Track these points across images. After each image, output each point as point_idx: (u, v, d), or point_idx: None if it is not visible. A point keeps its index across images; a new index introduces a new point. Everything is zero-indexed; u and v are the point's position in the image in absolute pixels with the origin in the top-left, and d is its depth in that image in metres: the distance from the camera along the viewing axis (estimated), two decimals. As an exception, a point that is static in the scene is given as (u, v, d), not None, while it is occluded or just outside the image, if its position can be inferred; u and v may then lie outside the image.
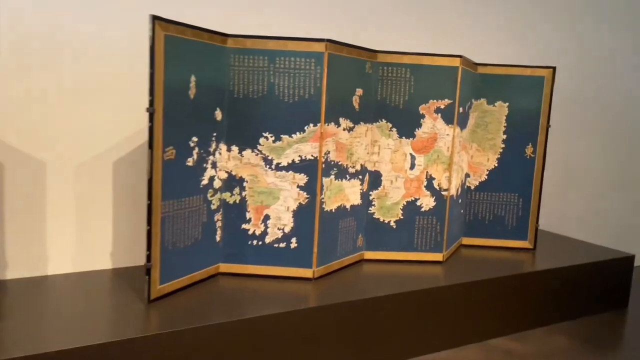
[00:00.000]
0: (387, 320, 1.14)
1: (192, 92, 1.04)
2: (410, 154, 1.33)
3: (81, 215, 1.17)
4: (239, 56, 1.12)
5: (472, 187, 1.54)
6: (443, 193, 1.35)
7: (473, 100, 1.50)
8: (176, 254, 1.05)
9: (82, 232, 1.17)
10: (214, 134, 1.11)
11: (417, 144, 1.32)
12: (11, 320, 0.91)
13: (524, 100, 1.50)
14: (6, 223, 1.09)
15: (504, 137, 1.52)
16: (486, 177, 1.54)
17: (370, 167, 1.32)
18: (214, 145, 1.12)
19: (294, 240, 1.17)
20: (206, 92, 1.08)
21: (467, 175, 1.54)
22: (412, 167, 1.33)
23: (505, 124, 1.51)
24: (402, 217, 1.34)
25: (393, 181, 1.33)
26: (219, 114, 1.12)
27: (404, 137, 1.32)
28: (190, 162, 1.05)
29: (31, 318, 0.92)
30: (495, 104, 1.51)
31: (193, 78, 1.04)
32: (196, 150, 1.07)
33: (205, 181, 1.10)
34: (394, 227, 1.35)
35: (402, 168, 1.33)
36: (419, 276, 1.27)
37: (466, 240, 1.56)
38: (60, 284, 1.11)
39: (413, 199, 1.34)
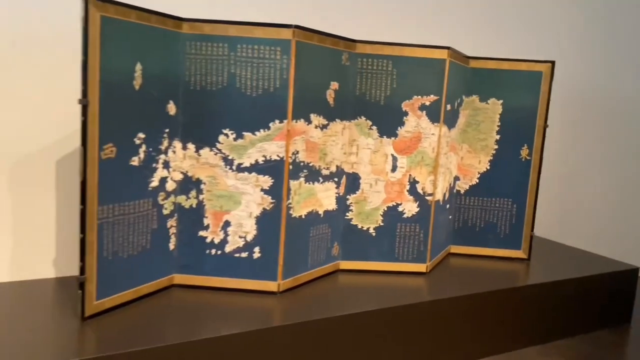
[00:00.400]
0: (362, 340, 1.02)
1: (137, 82, 0.92)
2: (392, 155, 1.20)
3: (19, 218, 1.05)
4: (195, 43, 1.00)
5: (462, 191, 1.42)
6: (427, 198, 1.23)
7: (464, 97, 1.37)
8: (118, 265, 0.93)
9: (21, 237, 1.05)
10: (166, 130, 0.99)
11: (400, 144, 1.20)
12: None
13: (519, 97, 1.37)
14: None
15: (497, 137, 1.39)
16: (477, 180, 1.41)
17: (347, 169, 1.20)
18: (165, 143, 1.00)
19: (257, 249, 1.05)
20: (156, 82, 0.96)
21: (457, 179, 1.41)
22: (394, 169, 1.21)
23: (499, 123, 1.39)
24: (382, 224, 1.22)
25: (373, 184, 1.21)
26: (172, 108, 1.00)
27: (385, 137, 1.19)
28: (135, 161, 0.93)
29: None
30: (488, 102, 1.38)
31: (139, 67, 0.91)
32: (143, 148, 0.95)
33: (155, 183, 0.98)
34: (374, 234, 1.22)
35: (382, 170, 1.21)
36: (400, 289, 1.14)
37: (455, 249, 1.43)
38: (-8, 295, 0.99)
39: (394, 204, 1.22)
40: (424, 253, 1.24)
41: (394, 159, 1.20)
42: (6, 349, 0.79)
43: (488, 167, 1.40)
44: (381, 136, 1.19)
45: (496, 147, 1.39)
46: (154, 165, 0.97)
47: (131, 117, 0.92)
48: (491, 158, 1.40)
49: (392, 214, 1.22)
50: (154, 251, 1.00)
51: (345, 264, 1.23)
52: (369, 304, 1.05)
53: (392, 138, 1.20)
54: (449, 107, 1.24)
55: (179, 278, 1.06)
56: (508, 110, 1.38)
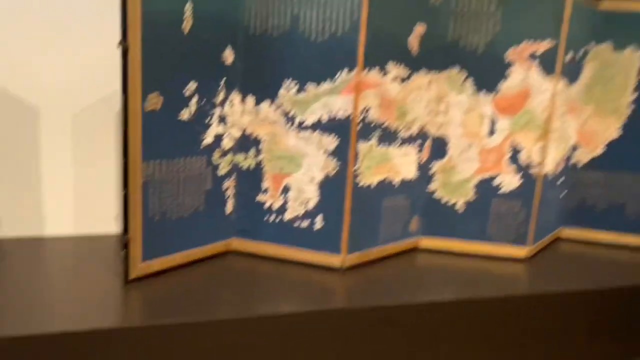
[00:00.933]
0: (440, 335, 0.87)
1: (187, 24, 0.82)
2: (490, 116, 0.99)
3: (81, 172, 1.03)
4: (255, -20, 0.88)
5: (581, 164, 1.16)
6: (533, 170, 1.01)
7: (591, 45, 1.10)
8: (167, 226, 0.86)
9: (83, 190, 1.04)
10: (222, 81, 0.89)
11: (501, 101, 0.99)
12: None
13: (669, 45, 1.07)
14: None
15: (633, 97, 1.11)
16: (603, 150, 1.14)
17: (433, 131, 1.02)
18: (222, 95, 0.90)
19: (318, 219, 0.93)
20: (210, 25, 0.85)
21: (575, 148, 1.16)
22: (492, 133, 1.00)
23: (636, 80, 1.10)
24: (473, 199, 1.03)
25: (464, 151, 1.02)
26: (229, 55, 0.89)
27: (482, 92, 0.99)
28: (185, 115, 0.85)
29: (-5, 288, 0.80)
30: (624, 52, 1.10)
31: (189, 6, 0.81)
32: (195, 100, 0.85)
33: (208, 140, 0.89)
34: (461, 211, 1.04)
35: (477, 134, 1.01)
36: (492, 277, 0.96)
37: (567, 233, 1.19)
38: (49, 248, 0.98)
39: (490, 175, 1.02)
40: (524, 235, 1.04)
41: (493, 120, 1.00)
42: (48, 307, 0.76)
43: (619, 134, 1.13)
44: (478, 92, 0.99)
45: (630, 109, 1.11)
46: (207, 120, 0.88)
47: (180, 65, 0.82)
48: (623, 123, 1.12)
49: (486, 187, 1.02)
50: (208, 214, 0.92)
51: (427, 242, 1.06)
52: (452, 292, 0.89)
53: (492, 94, 0.99)
54: (568, 56, 0.99)
55: (236, 243, 0.97)
56: (652, 63, 1.08)
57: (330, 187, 0.91)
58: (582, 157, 1.16)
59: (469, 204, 1.03)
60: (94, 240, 1.04)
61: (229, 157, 0.93)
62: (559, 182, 1.11)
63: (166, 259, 0.87)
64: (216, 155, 0.91)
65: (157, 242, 0.85)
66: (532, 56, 0.96)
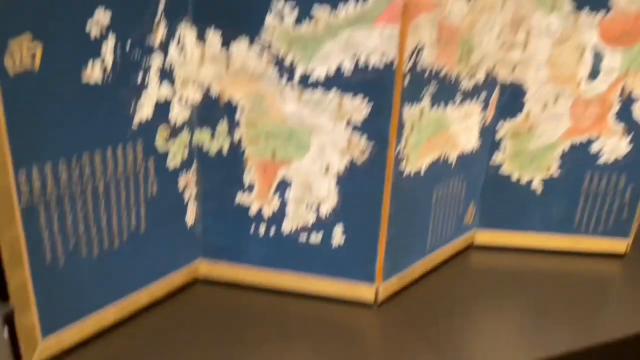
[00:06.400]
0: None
1: None
2: (595, 47, 0.63)
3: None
4: None
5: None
6: (651, 129, 0.67)
7: None
8: (81, 271, 0.50)
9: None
10: (159, 6, 0.49)
11: (614, 25, 0.62)
12: None
13: None
14: None
15: None
16: None
17: (504, 75, 0.65)
18: (161, 30, 0.50)
19: (338, 230, 0.58)
20: None
21: (684, 86, 0.81)
22: (595, 74, 0.64)
23: None
24: (557, 174, 0.69)
25: (549, 103, 0.66)
26: (168, -44, 0.49)
27: (584, 11, 0.62)
28: (93, 73, 0.46)
29: None
30: None
31: None
32: (110, 43, 0.46)
33: (145, 112, 0.51)
34: (539, 191, 0.70)
35: (572, 77, 0.65)
36: (585, 281, 0.66)
37: (656, 200, 0.88)
38: None
39: (586, 139, 0.68)
40: (627, 223, 0.72)
41: (598, 55, 0.63)
42: None
43: None
44: (579, 9, 0.62)
45: None
46: (138, 78, 0.49)
47: (71, -21, 0.42)
48: None
49: (578, 156, 0.68)
50: (155, 233, 0.56)
51: (485, 236, 0.73)
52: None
53: (598, 14, 0.62)
54: None
55: (206, 268, 0.62)
56: None
57: (357, 181, 0.55)
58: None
59: (550, 182, 0.70)
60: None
61: (183, 136, 0.56)
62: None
63: (86, 322, 0.52)
64: (161, 136, 0.53)
65: (66, 302, 0.50)
66: (673, -53, 0.59)
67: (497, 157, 0.70)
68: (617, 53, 0.64)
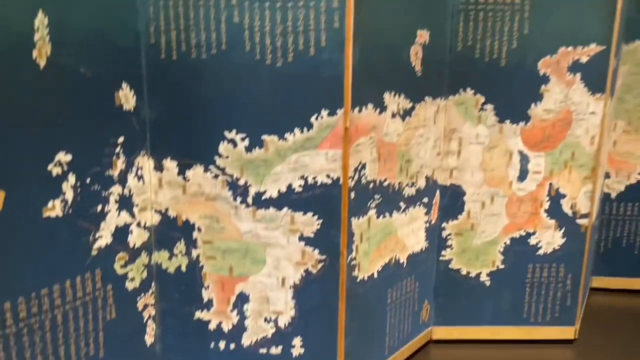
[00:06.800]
0: None
1: (40, 50, 0.45)
2: (520, 152, 0.70)
3: None
4: (162, -31, 0.52)
5: (614, 195, 0.91)
6: (580, 221, 0.73)
7: (623, 45, 0.84)
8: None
9: None
10: (119, 140, 0.53)
11: (534, 133, 0.70)
12: None
13: None
14: None
15: (676, 107, 0.86)
16: (638, 177, 0.90)
17: (442, 180, 0.71)
18: (119, 163, 0.53)
19: (297, 341, 0.59)
20: (84, 51, 0.49)
21: (607, 176, 0.90)
22: (523, 175, 0.71)
23: (680, 85, 0.86)
24: (502, 266, 0.74)
25: (487, 203, 0.72)
26: (126, 97, 0.53)
27: (508, 122, 0.69)
28: (54, 208, 0.48)
29: None
30: (662, 49, 0.85)
31: (41, 20, 0.44)
32: (70, 180, 0.49)
33: (103, 240, 0.53)
34: (488, 283, 0.74)
35: (503, 179, 0.71)
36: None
37: (598, 282, 0.94)
38: None
39: (523, 233, 0.73)
40: (571, 309, 0.76)
41: (524, 159, 0.71)
42: None
43: (658, 156, 0.88)
44: (501, 121, 0.69)
45: (673, 123, 0.87)
46: (97, 208, 0.52)
47: (33, 123, 0.45)
48: (664, 141, 0.88)
49: (519, 249, 0.73)
50: (114, 358, 0.56)
51: (442, 331, 0.76)
52: None
53: (521, 124, 0.69)
54: (615, 63, 0.72)
55: (168, 389, 0.62)
56: (696, 63, 0.84)
57: (313, 292, 0.58)
58: (615, 186, 0.90)
59: (496, 274, 0.74)
60: None
61: (142, 258, 0.58)
62: (595, 224, 0.85)
63: None
64: (120, 260, 0.55)
65: None
66: (574, 67, 0.68)
67: (446, 254, 0.74)
68: (540, 156, 0.71)
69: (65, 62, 0.47)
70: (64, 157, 0.48)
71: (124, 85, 0.53)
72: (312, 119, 0.54)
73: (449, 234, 0.73)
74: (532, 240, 0.73)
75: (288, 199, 0.56)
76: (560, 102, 0.69)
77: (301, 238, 0.57)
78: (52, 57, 0.46)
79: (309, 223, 0.56)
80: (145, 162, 0.56)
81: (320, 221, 0.56)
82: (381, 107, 0.58)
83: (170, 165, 0.56)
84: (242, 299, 0.59)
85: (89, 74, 0.49)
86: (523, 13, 0.66)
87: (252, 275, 0.58)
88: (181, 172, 0.56)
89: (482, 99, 0.69)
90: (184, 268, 0.59)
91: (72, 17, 0.47)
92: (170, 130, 0.55)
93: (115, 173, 0.53)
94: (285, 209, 0.56)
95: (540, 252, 0.74)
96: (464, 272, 0.74)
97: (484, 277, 0.75)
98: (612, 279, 0.93)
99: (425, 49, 0.63)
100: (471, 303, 0.75)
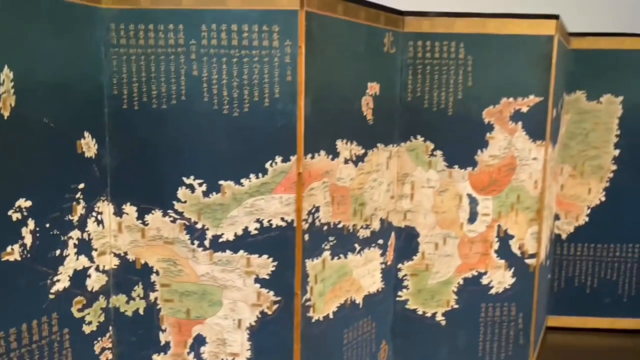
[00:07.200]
0: None
1: (4, 103, 0.47)
2: (469, 196, 0.74)
3: None
4: (126, 26, 0.56)
5: (564, 236, 0.96)
6: (528, 261, 0.77)
7: (565, 95, 0.91)
8: None
9: None
10: (79, 186, 0.55)
11: (481, 177, 0.74)
12: None
13: (650, 91, 0.91)
14: None
15: (616, 152, 0.92)
16: (586, 219, 0.95)
17: (397, 222, 0.75)
18: (79, 209, 0.55)
19: (253, 382, 0.60)
20: (48, 102, 0.51)
21: (556, 217, 0.95)
22: (473, 218, 0.75)
23: (618, 132, 0.92)
24: (456, 306, 0.77)
25: (439, 244, 0.75)
26: (88, 145, 0.56)
27: (456, 167, 0.74)
28: (12, 253, 0.49)
29: None
30: (601, 100, 0.92)
31: (7, 73, 0.47)
32: (29, 226, 0.50)
33: (61, 284, 0.54)
34: (443, 323, 0.77)
35: (454, 221, 0.75)
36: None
37: (554, 321, 0.97)
38: None
39: (476, 273, 0.76)
40: (524, 348, 0.78)
41: (473, 202, 0.75)
42: None
43: (602, 199, 0.94)
44: (450, 167, 0.74)
45: (614, 167, 0.93)
46: (56, 252, 0.53)
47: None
48: (607, 185, 0.93)
49: (472, 289, 0.76)
50: (69, 403, 0.56)
51: (400, 371, 0.78)
52: None
53: (468, 169, 0.74)
54: (554, 112, 0.78)
55: None
56: (632, 112, 0.91)
57: (268, 333, 0.59)
58: (565, 228, 0.95)
59: (451, 314, 0.77)
60: None
61: (100, 302, 0.59)
62: (547, 264, 0.89)
63: None
64: (77, 305, 0.56)
65: None
66: (515, 116, 0.73)
67: (403, 295, 0.76)
68: (488, 199, 0.75)
69: (29, 113, 0.49)
70: (24, 203, 0.49)
71: (86, 134, 0.55)
72: (267, 165, 0.57)
73: (405, 275, 0.76)
74: (484, 280, 0.77)
75: (244, 242, 0.58)
76: (505, 148, 0.74)
77: (257, 280, 0.59)
78: (16, 108, 0.48)
79: (265, 265, 0.59)
80: (105, 208, 0.58)
81: (276, 263, 0.58)
82: (334, 153, 0.62)
83: (130, 210, 0.58)
84: (199, 341, 0.60)
85: (52, 123, 0.52)
86: (466, 67, 0.72)
87: (209, 317, 0.60)
88: (140, 216, 0.58)
89: (431, 146, 0.73)
90: (141, 311, 0.60)
91: (38, 71, 0.50)
92: (131, 177, 0.58)
93: (74, 218, 0.55)
94: (241, 252, 0.58)
95: (492, 291, 0.77)
96: (420, 312, 0.77)
97: (439, 317, 0.77)
98: (567, 318, 0.97)
99: (376, 100, 0.67)
100: (428, 343, 0.77)
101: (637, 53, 0.90)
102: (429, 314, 0.77)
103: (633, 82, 0.90)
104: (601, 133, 0.92)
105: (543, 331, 0.94)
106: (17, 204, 0.49)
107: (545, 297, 0.91)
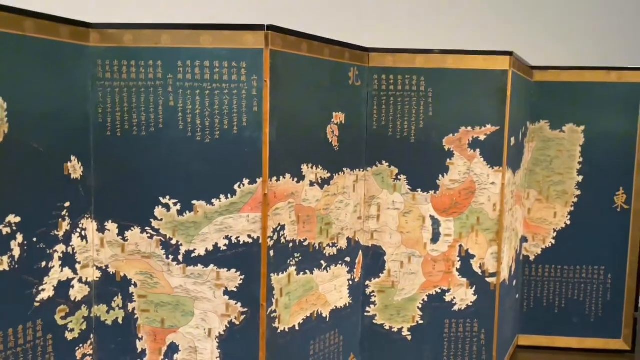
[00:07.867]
0: None
1: (-1, 130, 0.54)
2: (432, 217, 0.80)
3: None
4: (111, 62, 0.63)
5: (532, 258, 1.00)
6: (489, 280, 0.82)
7: (528, 124, 0.97)
8: None
9: None
10: (65, 204, 0.61)
11: (442, 200, 0.80)
12: None
13: (609, 121, 0.96)
14: None
15: (579, 178, 0.98)
16: (553, 241, 0.99)
17: (364, 241, 0.80)
18: (65, 225, 0.61)
19: (222, 388, 0.65)
20: (39, 129, 0.58)
21: (524, 240, 1.00)
22: (436, 238, 0.80)
23: (581, 159, 0.97)
24: (421, 322, 0.81)
25: (405, 263, 0.80)
26: (74, 168, 0.62)
27: (419, 190, 0.79)
28: (1, 263, 0.55)
29: None
30: (564, 129, 0.98)
31: (1, 104, 0.54)
32: (18, 240, 0.56)
33: (46, 293, 0.60)
34: (409, 338, 0.81)
35: (418, 241, 0.80)
36: None
37: (524, 340, 1.01)
38: None
39: (439, 290, 0.81)
40: (487, 362, 0.83)
41: (435, 223, 0.80)
42: None
43: (568, 222, 0.98)
44: (414, 190, 0.79)
45: (578, 192, 0.98)
46: (42, 264, 0.59)
47: (-10, 191, 0.54)
48: (571, 209, 0.98)
49: (436, 305, 0.81)
50: (50, 404, 0.61)
51: (369, 384, 0.82)
52: None
53: (431, 192, 0.79)
54: (512, 140, 0.84)
55: None
56: (593, 140, 0.97)
57: (236, 342, 0.64)
58: (532, 250, 1.00)
59: (417, 329, 0.81)
60: None
61: (82, 311, 0.64)
62: (513, 284, 0.93)
63: None
64: (60, 313, 0.61)
65: None
66: (473, 144, 0.79)
67: (371, 310, 0.81)
68: (450, 221, 0.80)
69: (21, 139, 0.56)
70: (13, 218, 0.55)
71: (73, 157, 0.62)
72: (236, 186, 0.63)
73: (373, 291, 0.81)
74: (448, 297, 0.81)
75: (214, 257, 0.64)
76: (464, 173, 0.80)
77: (226, 292, 0.64)
78: (9, 134, 0.55)
79: (233, 278, 0.64)
80: (89, 224, 0.64)
81: (243, 277, 0.64)
82: (299, 176, 0.68)
83: (112, 227, 0.64)
84: (173, 349, 0.65)
85: (41, 148, 0.58)
86: (427, 99, 0.78)
87: (182, 326, 0.65)
88: (121, 233, 0.64)
89: (396, 170, 0.79)
90: (120, 320, 0.65)
91: (30, 101, 0.57)
92: (113, 196, 0.64)
93: (60, 233, 0.61)
94: (211, 266, 0.64)
95: (455, 308, 0.81)
96: (387, 327, 0.81)
97: (405, 332, 0.81)
98: (536, 337, 1.00)
99: (341, 128, 0.73)
100: (395, 357, 0.81)
101: (596, 85, 0.96)
102: (395, 329, 0.81)
103: (593, 112, 0.96)
104: (565, 160, 0.97)
105: (513, 349, 0.98)
106: (7, 219, 0.55)
107: (512, 315, 0.95)
